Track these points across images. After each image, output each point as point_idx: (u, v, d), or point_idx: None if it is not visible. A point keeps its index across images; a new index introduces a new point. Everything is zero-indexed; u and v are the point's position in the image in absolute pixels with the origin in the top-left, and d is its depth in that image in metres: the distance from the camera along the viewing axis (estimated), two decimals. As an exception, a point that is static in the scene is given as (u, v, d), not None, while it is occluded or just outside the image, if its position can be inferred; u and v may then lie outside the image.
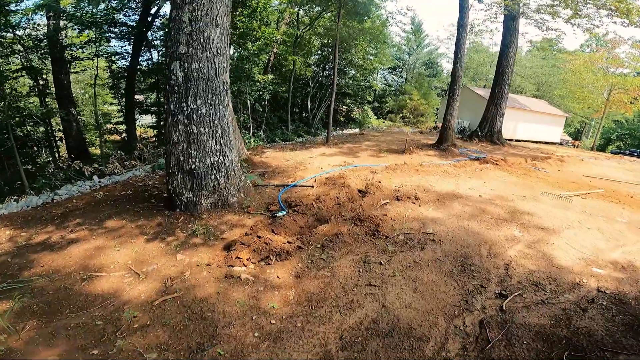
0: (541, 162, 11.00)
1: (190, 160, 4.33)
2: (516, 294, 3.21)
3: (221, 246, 4.01)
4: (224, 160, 4.65)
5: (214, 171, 4.58)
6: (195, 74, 4.04)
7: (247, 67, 13.72)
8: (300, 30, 16.98)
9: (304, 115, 23.10)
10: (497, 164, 9.00)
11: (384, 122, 25.52)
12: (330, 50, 18.51)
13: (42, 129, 14.93)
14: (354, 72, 22.48)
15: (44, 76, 13.94)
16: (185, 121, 4.15)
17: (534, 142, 22.86)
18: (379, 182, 5.57)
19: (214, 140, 4.41)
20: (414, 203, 4.90)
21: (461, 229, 4.29)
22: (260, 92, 15.18)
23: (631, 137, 38.31)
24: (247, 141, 13.20)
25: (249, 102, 13.60)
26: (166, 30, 14.95)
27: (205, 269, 3.61)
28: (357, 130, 18.85)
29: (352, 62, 20.56)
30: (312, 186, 5.67)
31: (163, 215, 4.81)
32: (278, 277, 3.42)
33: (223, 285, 3.36)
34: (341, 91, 23.85)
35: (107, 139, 18.68)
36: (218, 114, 4.39)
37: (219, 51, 4.19)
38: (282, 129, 18.38)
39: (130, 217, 4.83)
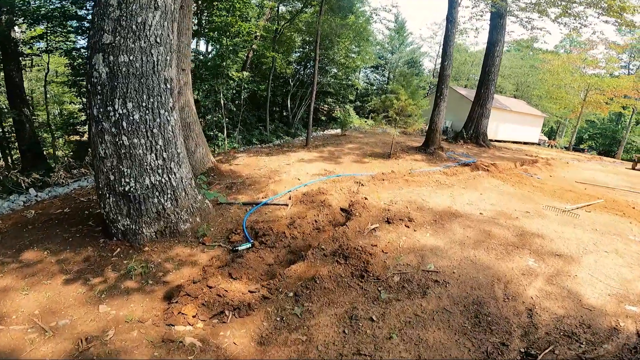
0: (530, 166, 10.54)
1: (123, 180, 3.36)
2: (547, 350, 2.48)
3: (162, 293, 3.09)
4: (170, 179, 3.71)
5: (157, 193, 3.63)
6: (123, 69, 3.07)
7: (222, 64, 12.65)
8: (280, 25, 15.99)
9: (284, 114, 22.11)
10: (488, 171, 8.42)
11: (366, 122, 24.87)
12: (311, 47, 17.62)
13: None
14: (335, 71, 21.64)
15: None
16: (113, 130, 3.18)
17: (513, 142, 22.83)
18: (365, 198, 4.75)
19: (153, 155, 3.45)
20: (407, 227, 4.10)
21: (467, 261, 3.51)
22: (235, 91, 14.12)
23: (602, 136, 39.45)
24: (220, 144, 12.14)
25: (222, 101, 12.52)
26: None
27: (137, 327, 2.70)
28: (338, 130, 18.03)
29: (334, 60, 19.72)
30: (287, 205, 4.79)
31: (96, 245, 3.82)
32: (235, 342, 2.54)
33: (159, 353, 2.47)
34: (322, 90, 22.98)
35: (68, 140, 17.12)
36: (158, 120, 3.43)
37: (158, 40, 3.23)
38: (260, 129, 17.35)
39: (55, 246, 3.83)
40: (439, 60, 34.64)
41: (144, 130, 3.28)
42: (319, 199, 4.70)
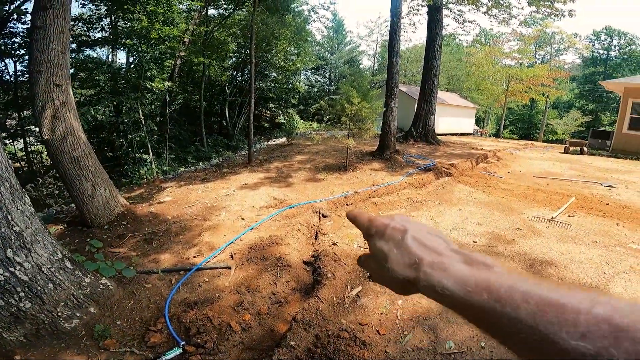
0: (485, 163, 10.32)
1: None
2: None
3: None
4: (13, 273, 2.23)
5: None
6: None
7: (142, 75, 10.67)
8: (210, 28, 14.26)
9: (224, 124, 20.22)
10: (451, 175, 7.83)
11: (311, 125, 23.93)
12: (248, 52, 16.15)
13: None
14: (275, 74, 20.35)
15: None
16: None
17: (453, 134, 23.58)
18: (334, 243, 3.58)
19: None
20: (397, 283, 3.01)
21: None
22: (157, 105, 12.15)
23: (521, 121, 43.55)
24: (143, 172, 10.17)
25: (141, 118, 10.53)
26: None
27: None
28: (284, 139, 16.78)
29: (273, 63, 18.42)
30: (229, 267, 3.43)
31: None
32: None
33: None
34: (263, 95, 21.53)
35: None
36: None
37: None
38: (196, 145, 15.40)
39: None
40: (378, 59, 35.15)
41: None
42: (273, 254, 3.43)
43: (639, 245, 4.13)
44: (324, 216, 4.59)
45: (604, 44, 44.07)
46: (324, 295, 2.79)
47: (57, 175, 9.50)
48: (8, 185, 2.51)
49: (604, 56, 44.03)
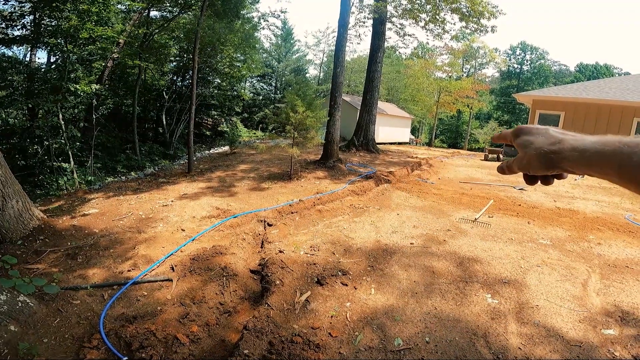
0: (419, 170, 11.15)
1: None
2: None
3: None
4: None
5: None
6: None
7: (64, 77, 9.60)
8: (150, 30, 13.36)
9: (160, 131, 18.98)
10: (390, 182, 8.32)
11: (255, 134, 23.58)
12: (190, 57, 15.45)
13: None
14: (219, 81, 19.71)
15: None
16: None
17: (391, 143, 25.06)
18: (280, 251, 3.59)
19: None
20: (345, 284, 3.14)
21: (433, 319, 2.77)
22: (81, 109, 11.07)
23: (449, 131, 47.76)
24: (62, 182, 9.13)
25: (61, 123, 9.47)
26: None
27: None
28: (227, 148, 16.31)
29: (217, 69, 17.85)
30: (170, 279, 3.24)
31: None
32: None
33: None
34: (205, 102, 20.70)
35: None
36: None
37: None
38: (127, 152, 14.21)
39: None
40: (324, 68, 36.07)
41: None
42: (218, 264, 3.33)
43: (548, 240, 4.79)
44: (270, 225, 4.57)
45: (518, 58, 49.80)
46: (273, 302, 2.79)
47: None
48: None
49: (518, 70, 49.81)
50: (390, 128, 26.37)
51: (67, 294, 3.11)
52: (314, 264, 3.38)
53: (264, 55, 27.20)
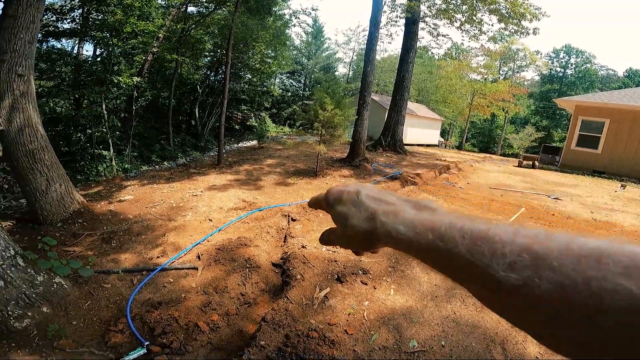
0: (447, 174, 10.87)
1: None
2: None
3: None
4: None
5: None
6: None
7: (108, 69, 10.21)
8: (187, 25, 13.91)
9: (192, 124, 19.68)
10: (416, 183, 8.20)
11: (282, 130, 23.88)
12: (224, 52, 15.90)
13: None
14: (250, 76, 20.16)
15: None
16: None
17: (419, 145, 24.54)
18: (303, 246, 3.66)
19: None
20: (365, 283, 3.15)
21: (450, 323, 2.74)
22: (123, 100, 11.66)
23: (481, 135, 46.02)
24: (106, 166, 9.69)
25: (104, 113, 10.04)
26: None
27: None
28: (255, 142, 16.64)
29: (249, 65, 18.26)
30: (196, 268, 3.39)
31: None
32: None
33: None
34: (236, 97, 21.23)
35: None
36: None
37: None
38: (162, 143, 14.85)
39: None
40: (354, 67, 35.87)
41: None
42: (242, 255, 3.44)
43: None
44: (293, 220, 4.65)
45: (562, 61, 47.07)
46: (293, 296, 2.85)
47: (8, 168, 8.82)
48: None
49: (561, 74, 47.13)
50: (419, 129, 25.83)
51: (99, 277, 3.30)
52: (335, 261, 3.42)
53: (294, 52, 27.42)
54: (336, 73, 33.02)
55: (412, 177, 8.63)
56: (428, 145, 26.22)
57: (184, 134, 18.35)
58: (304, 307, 2.82)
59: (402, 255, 3.85)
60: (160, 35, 13.04)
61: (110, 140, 10.26)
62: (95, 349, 2.53)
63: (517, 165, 16.49)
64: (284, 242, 4.06)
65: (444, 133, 43.01)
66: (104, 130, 10.43)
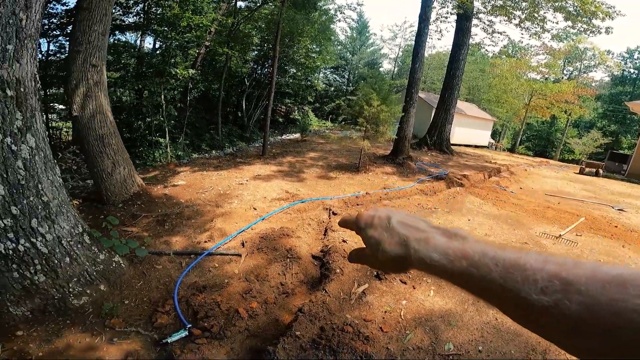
0: (498, 177, 10.26)
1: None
2: None
3: None
4: (34, 244, 2.36)
5: (13, 266, 2.27)
6: None
7: (167, 62, 10.95)
8: (237, 19, 14.47)
9: (239, 115, 20.46)
10: (462, 185, 7.83)
11: (325, 124, 23.98)
12: (270, 46, 16.31)
13: None
14: (294, 70, 20.49)
15: None
16: None
17: (467, 145, 23.35)
18: (344, 240, 3.68)
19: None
20: (404, 282, 3.11)
21: (490, 329, 2.63)
22: (179, 91, 12.40)
23: (538, 138, 42.55)
24: (162, 152, 10.41)
25: (162, 102, 10.77)
26: None
27: None
28: (297, 135, 16.90)
29: (294, 59, 18.55)
30: (239, 255, 3.55)
31: None
32: None
33: None
34: (281, 90, 21.69)
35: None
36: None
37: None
38: (211, 133, 15.63)
39: None
40: (399, 63, 34.95)
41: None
42: (284, 245, 3.54)
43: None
44: (334, 213, 4.68)
45: (636, 62, 42.24)
46: (331, 290, 2.89)
47: (78, 151, 9.78)
48: (43, 155, 2.64)
49: (634, 75, 42.28)
50: (468, 129, 24.56)
51: (152, 258, 3.49)
52: (375, 258, 3.39)
53: (339, 47, 27.26)
54: (381, 69, 32.35)
55: (458, 178, 8.26)
56: (477, 147, 24.90)
57: (231, 124, 19.13)
58: (341, 302, 2.84)
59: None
60: (212, 29, 13.65)
61: (166, 129, 10.99)
62: (142, 329, 2.64)
63: (577, 172, 15.14)
64: (324, 235, 4.11)
65: (494, 134, 40.45)
66: (162, 119, 11.20)
